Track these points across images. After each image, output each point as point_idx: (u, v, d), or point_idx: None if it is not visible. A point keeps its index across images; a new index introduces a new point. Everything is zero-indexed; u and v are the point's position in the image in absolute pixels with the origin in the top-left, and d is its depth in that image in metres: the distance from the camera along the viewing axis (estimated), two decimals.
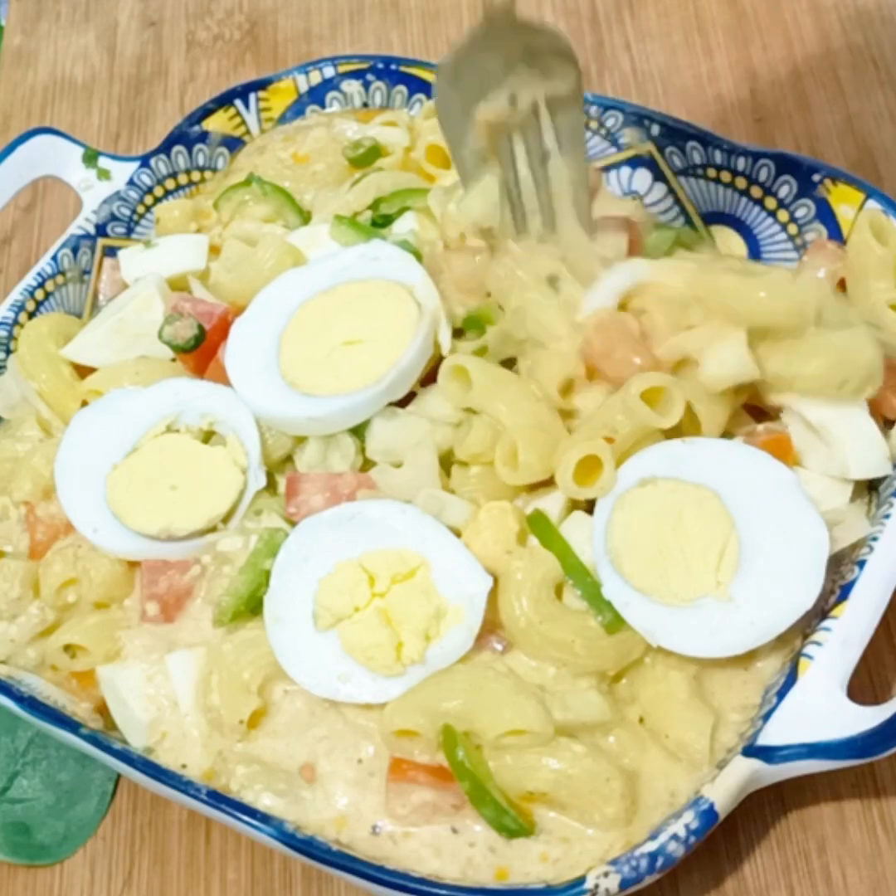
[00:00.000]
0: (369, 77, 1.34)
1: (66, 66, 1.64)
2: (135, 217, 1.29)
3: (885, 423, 1.01)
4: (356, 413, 1.02)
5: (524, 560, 0.95)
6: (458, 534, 0.97)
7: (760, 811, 0.98)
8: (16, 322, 1.19)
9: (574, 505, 0.98)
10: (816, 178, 1.13)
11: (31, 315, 1.21)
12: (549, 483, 0.98)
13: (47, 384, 1.15)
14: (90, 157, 1.29)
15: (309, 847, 0.86)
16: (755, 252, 1.19)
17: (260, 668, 0.95)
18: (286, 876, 1.01)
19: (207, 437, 1.06)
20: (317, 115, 1.36)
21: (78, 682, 1.01)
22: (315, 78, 1.34)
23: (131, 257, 1.24)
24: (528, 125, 1.02)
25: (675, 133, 1.20)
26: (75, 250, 1.24)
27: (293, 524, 1.00)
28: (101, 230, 1.27)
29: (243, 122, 1.34)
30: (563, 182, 1.04)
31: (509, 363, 1.05)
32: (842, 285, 1.10)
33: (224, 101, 1.33)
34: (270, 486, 1.05)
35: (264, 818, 0.88)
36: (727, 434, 1.00)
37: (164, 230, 1.27)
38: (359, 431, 1.03)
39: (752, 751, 0.86)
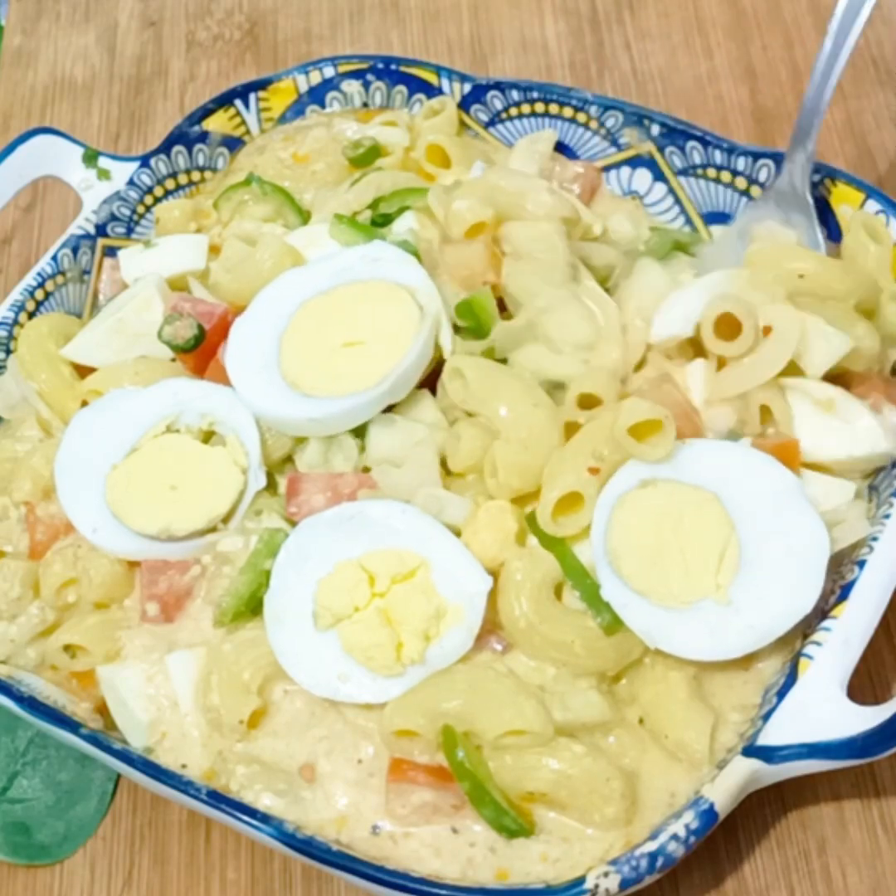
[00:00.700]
0: (369, 77, 1.34)
1: (66, 66, 1.64)
2: (135, 217, 1.29)
3: None
4: (356, 415, 1.02)
5: (524, 560, 0.95)
6: (457, 533, 0.97)
7: (760, 811, 0.98)
8: (16, 322, 1.19)
9: None
10: (816, 178, 1.13)
11: (31, 315, 1.21)
12: None
13: (47, 384, 1.15)
14: (90, 157, 1.29)
15: (309, 847, 0.86)
16: None
17: (260, 668, 0.95)
18: (286, 876, 1.01)
19: (207, 437, 1.06)
20: (317, 115, 1.36)
21: (78, 682, 1.01)
22: (315, 78, 1.34)
23: (131, 257, 1.24)
24: None
25: (675, 133, 1.20)
26: (75, 250, 1.24)
27: (294, 524, 1.00)
28: (101, 230, 1.26)
29: (243, 122, 1.34)
30: None
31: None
32: None
33: (224, 101, 1.33)
34: (270, 486, 1.05)
35: (264, 818, 0.88)
36: (736, 434, 1.00)
37: (164, 230, 1.27)
38: (360, 432, 1.03)
39: (752, 751, 0.86)
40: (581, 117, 1.24)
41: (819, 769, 0.85)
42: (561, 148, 1.27)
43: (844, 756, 0.84)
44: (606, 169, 1.25)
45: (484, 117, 1.30)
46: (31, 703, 0.95)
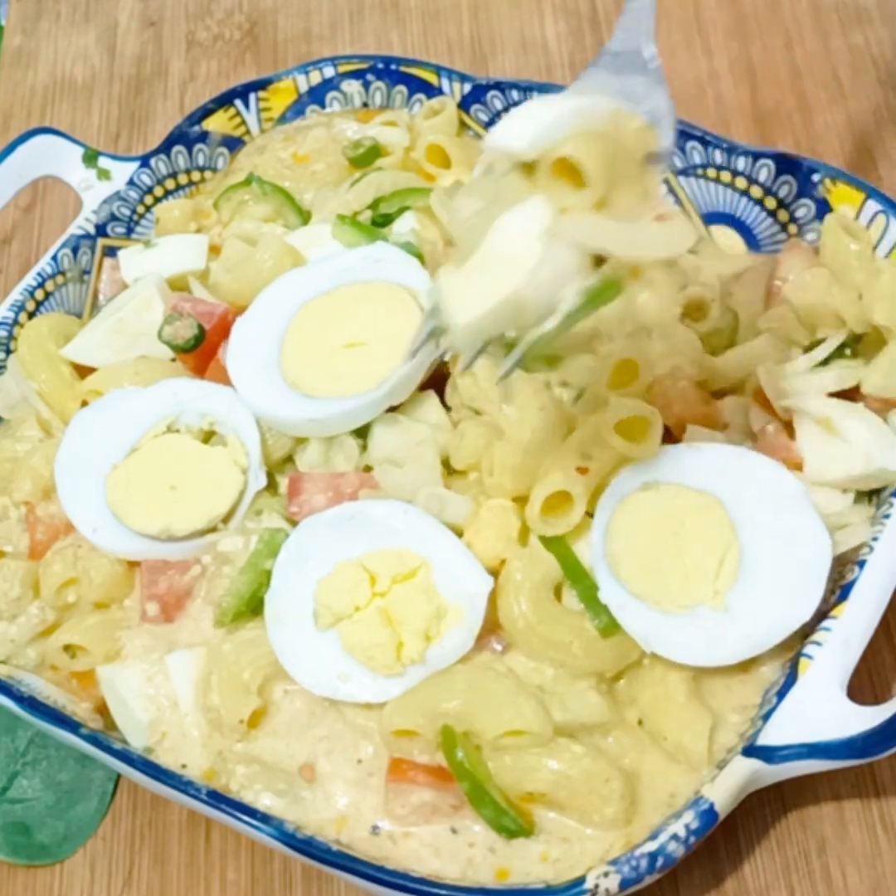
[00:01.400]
0: (369, 77, 1.34)
1: (66, 66, 1.64)
2: (135, 217, 1.29)
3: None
4: (357, 416, 1.02)
5: (524, 560, 0.95)
6: (459, 532, 0.97)
7: (760, 811, 0.98)
8: (16, 322, 1.19)
9: None
10: (816, 178, 1.13)
11: (31, 315, 1.21)
12: None
13: (47, 384, 1.15)
14: (90, 157, 1.29)
15: (309, 847, 0.86)
16: (755, 252, 1.19)
17: (260, 668, 0.95)
18: (286, 876, 1.01)
19: (207, 437, 1.06)
20: (317, 115, 1.36)
21: (78, 682, 1.01)
22: (315, 78, 1.34)
23: (131, 257, 1.24)
24: None
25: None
26: (75, 250, 1.24)
27: (294, 524, 1.00)
28: (101, 230, 1.27)
29: (243, 122, 1.34)
30: None
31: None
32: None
33: (224, 101, 1.33)
34: (271, 486, 1.05)
35: (264, 818, 0.88)
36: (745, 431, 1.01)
37: (164, 230, 1.27)
38: (361, 433, 1.03)
39: (751, 751, 0.86)
40: None
41: (819, 769, 0.85)
42: None
43: (844, 756, 0.84)
44: None
45: (484, 117, 1.30)
46: (31, 703, 0.95)
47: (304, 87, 1.35)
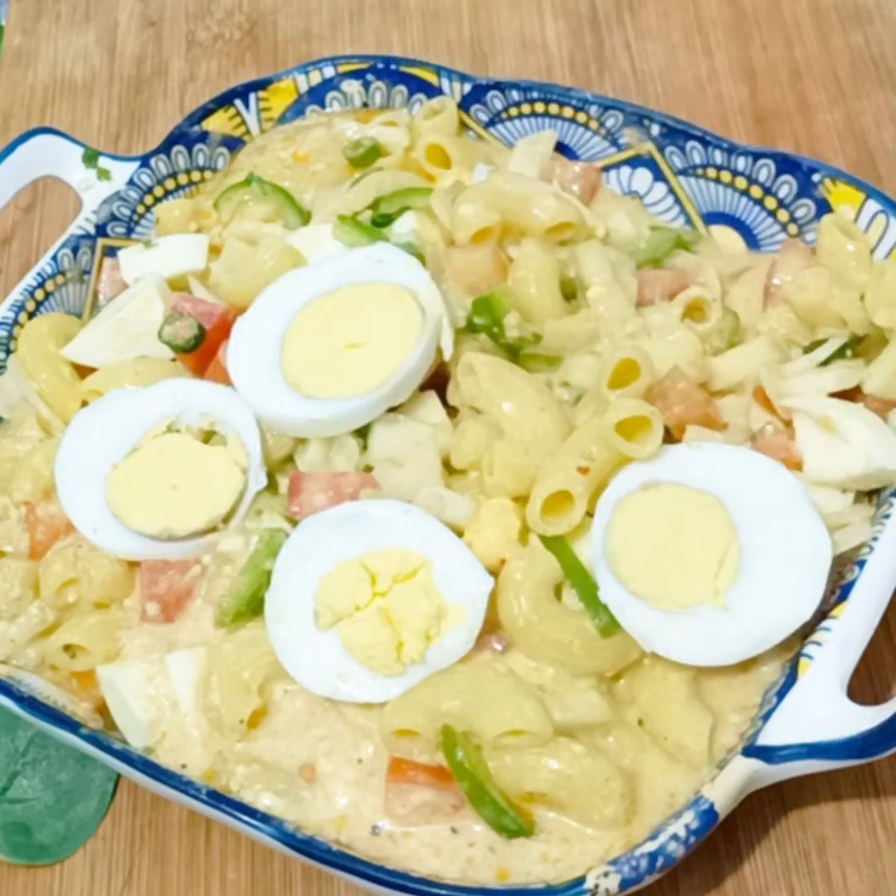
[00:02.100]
0: (369, 77, 1.34)
1: (66, 66, 1.64)
2: (135, 217, 1.29)
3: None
4: (357, 417, 1.02)
5: (524, 560, 0.95)
6: (460, 532, 0.97)
7: (760, 811, 0.98)
8: (16, 322, 1.19)
9: None
10: (816, 178, 1.13)
11: (31, 315, 1.21)
12: None
13: (47, 384, 1.15)
14: (90, 157, 1.29)
15: (309, 847, 0.86)
16: (755, 252, 1.19)
17: (260, 668, 0.95)
18: (286, 876, 1.01)
19: (208, 437, 1.06)
20: (317, 115, 1.36)
21: (78, 682, 1.01)
22: (315, 78, 1.34)
23: (131, 257, 1.24)
24: None
25: (675, 133, 1.20)
26: (75, 250, 1.24)
27: (295, 523, 1.00)
28: (101, 230, 1.27)
29: (243, 122, 1.34)
30: None
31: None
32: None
33: (224, 101, 1.33)
34: (271, 486, 1.05)
35: (264, 818, 0.88)
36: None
37: (164, 230, 1.27)
38: (361, 433, 1.03)
39: (752, 751, 0.86)
40: (581, 117, 1.24)
41: (819, 769, 0.85)
42: (561, 148, 1.27)
43: (844, 756, 0.84)
44: (606, 169, 1.25)
45: (484, 117, 1.30)
46: (31, 703, 0.95)
47: (304, 87, 1.35)
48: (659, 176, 1.23)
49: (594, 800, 0.88)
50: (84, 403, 1.12)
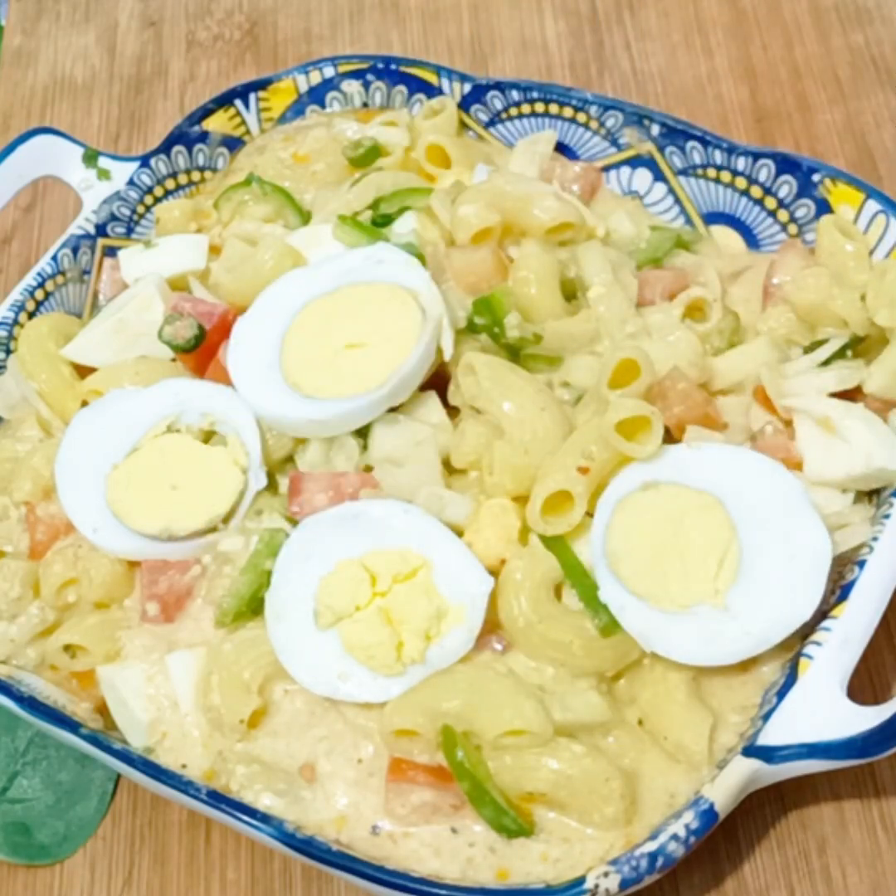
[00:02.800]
0: (369, 77, 1.34)
1: (66, 66, 1.64)
2: (135, 217, 1.29)
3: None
4: (357, 417, 1.02)
5: (524, 559, 0.95)
6: (459, 532, 0.97)
7: (760, 811, 0.98)
8: (16, 322, 1.19)
9: None
10: (816, 178, 1.13)
11: (31, 315, 1.21)
12: None
13: (47, 384, 1.15)
14: (90, 157, 1.29)
15: (309, 847, 0.86)
16: (755, 252, 1.19)
17: (260, 668, 0.95)
18: (286, 876, 1.01)
19: (208, 437, 1.06)
20: (317, 115, 1.36)
21: (78, 682, 1.01)
22: (315, 78, 1.35)
23: (131, 257, 1.24)
24: None
25: (675, 133, 1.20)
26: (75, 250, 1.24)
27: (295, 523, 1.00)
28: (101, 230, 1.27)
29: (243, 122, 1.34)
30: None
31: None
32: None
33: (224, 101, 1.33)
34: (271, 486, 1.05)
35: (264, 818, 0.88)
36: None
37: (164, 230, 1.27)
38: (361, 433, 1.03)
39: (752, 751, 0.86)
40: (581, 117, 1.24)
41: (819, 769, 0.85)
42: (561, 148, 1.27)
43: (844, 756, 0.84)
44: (606, 169, 1.25)
45: (484, 117, 1.30)
46: (31, 703, 0.95)
47: (304, 87, 1.35)
48: (659, 176, 1.23)
49: (594, 800, 0.88)
50: (84, 403, 1.12)
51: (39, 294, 1.21)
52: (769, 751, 0.85)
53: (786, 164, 1.15)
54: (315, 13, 1.63)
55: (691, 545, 0.93)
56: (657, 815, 0.89)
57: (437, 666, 0.93)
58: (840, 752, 0.83)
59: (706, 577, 0.92)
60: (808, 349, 1.05)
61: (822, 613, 0.91)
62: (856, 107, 1.40)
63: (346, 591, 0.94)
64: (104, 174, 1.29)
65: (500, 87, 1.28)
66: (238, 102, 1.34)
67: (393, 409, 1.02)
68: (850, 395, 1.01)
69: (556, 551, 0.95)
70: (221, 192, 1.28)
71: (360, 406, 1.01)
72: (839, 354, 1.03)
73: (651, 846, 0.83)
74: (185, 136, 1.31)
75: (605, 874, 0.82)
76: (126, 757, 0.92)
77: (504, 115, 1.29)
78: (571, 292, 1.11)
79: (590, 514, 0.96)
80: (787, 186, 1.15)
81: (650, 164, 1.22)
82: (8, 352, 1.19)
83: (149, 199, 1.29)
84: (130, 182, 1.28)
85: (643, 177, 1.24)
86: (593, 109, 1.23)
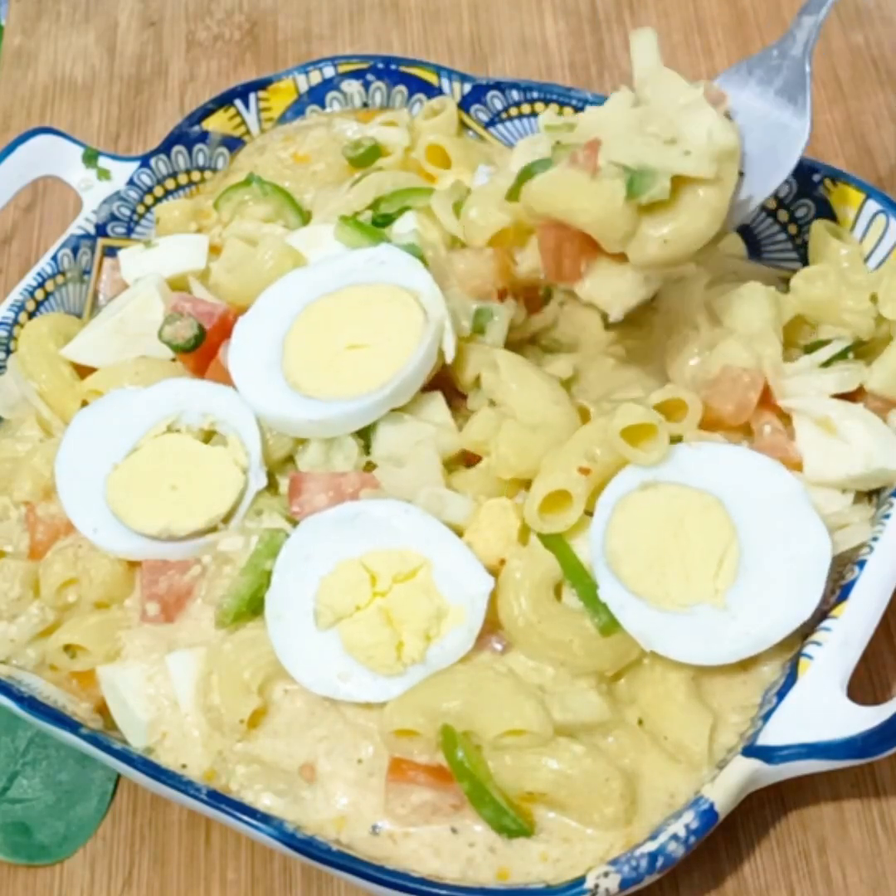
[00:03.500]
0: (369, 77, 1.34)
1: (66, 66, 1.64)
2: (135, 217, 1.29)
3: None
4: (358, 418, 1.02)
5: (524, 559, 0.95)
6: (459, 532, 0.97)
7: (760, 811, 0.98)
8: (16, 322, 1.19)
9: None
10: (816, 178, 1.13)
11: (31, 315, 1.21)
12: None
13: (47, 384, 1.15)
14: (90, 157, 1.29)
15: (309, 847, 0.86)
16: (755, 252, 1.19)
17: (260, 668, 0.95)
18: (286, 876, 1.01)
19: (208, 436, 1.06)
20: (317, 115, 1.36)
21: (78, 682, 1.01)
22: (315, 78, 1.35)
23: (131, 257, 1.24)
24: None
25: None
26: (75, 250, 1.24)
27: (295, 523, 1.00)
28: (101, 230, 1.27)
29: (243, 122, 1.34)
30: None
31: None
32: None
33: (224, 101, 1.33)
34: (271, 486, 1.05)
35: (264, 818, 0.88)
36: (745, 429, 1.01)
37: (164, 230, 1.27)
38: (362, 433, 1.03)
39: (752, 751, 0.86)
40: None
41: (819, 769, 0.85)
42: None
43: (844, 756, 0.84)
44: None
45: (484, 117, 1.30)
46: (31, 703, 0.95)
47: (304, 87, 1.35)
48: None
49: (594, 800, 0.88)
50: (84, 403, 1.12)
51: (39, 294, 1.22)
52: (769, 751, 0.85)
53: None
54: (315, 13, 1.63)
55: (691, 545, 0.93)
56: (657, 815, 0.89)
57: (437, 666, 0.93)
58: (840, 752, 0.83)
59: (706, 577, 0.92)
60: (810, 349, 1.05)
61: (822, 613, 0.91)
62: (856, 107, 1.40)
63: (346, 590, 0.94)
64: (104, 174, 1.29)
65: (500, 87, 1.28)
66: (238, 102, 1.34)
67: (398, 409, 1.03)
68: (850, 395, 1.01)
69: (556, 550, 0.95)
70: (221, 192, 1.28)
71: (361, 407, 1.01)
72: (840, 356, 1.03)
73: (651, 846, 0.83)
74: (185, 136, 1.31)
75: (605, 874, 0.82)
76: (126, 757, 0.92)
77: (504, 115, 1.29)
78: None
79: (589, 513, 0.96)
80: (786, 186, 1.15)
81: None
82: (8, 352, 1.19)
83: (149, 199, 1.30)
84: (130, 182, 1.28)
85: None
86: None
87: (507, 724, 0.89)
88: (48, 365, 1.16)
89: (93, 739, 0.92)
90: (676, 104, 0.95)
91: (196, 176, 1.33)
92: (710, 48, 1.49)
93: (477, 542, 0.96)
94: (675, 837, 0.83)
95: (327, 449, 1.03)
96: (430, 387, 1.05)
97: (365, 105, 1.35)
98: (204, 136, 1.32)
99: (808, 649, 0.90)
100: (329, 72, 1.34)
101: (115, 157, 1.31)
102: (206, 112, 1.32)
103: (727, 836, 0.96)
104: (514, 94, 1.27)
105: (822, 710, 0.86)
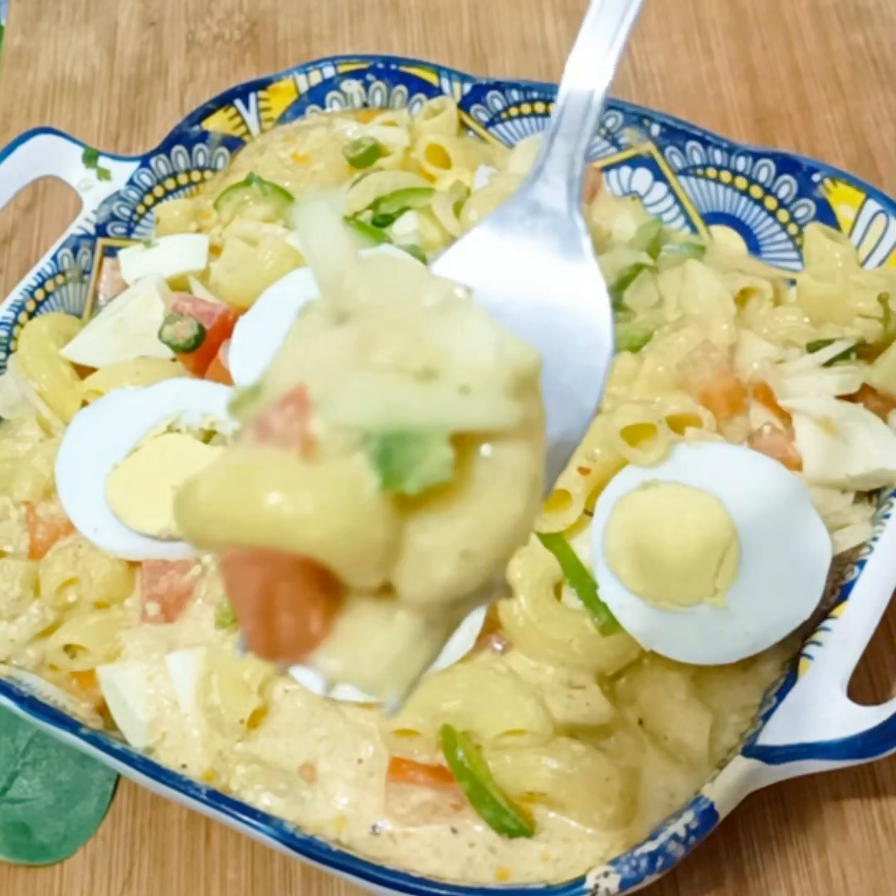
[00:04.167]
0: (369, 77, 1.34)
1: (66, 66, 1.64)
2: (135, 217, 1.29)
3: None
4: None
5: (523, 558, 0.95)
6: None
7: (760, 811, 0.97)
8: (16, 322, 1.19)
9: None
10: (816, 178, 1.13)
11: (31, 315, 1.21)
12: None
13: (47, 384, 1.15)
14: (90, 157, 1.29)
15: (309, 847, 0.86)
16: (755, 252, 1.19)
17: (260, 668, 0.95)
18: (286, 876, 1.01)
19: (208, 436, 1.06)
20: (317, 115, 1.36)
21: (78, 682, 1.01)
22: (315, 78, 1.34)
23: (131, 257, 1.24)
24: None
25: (675, 133, 1.20)
26: (75, 250, 1.24)
27: None
28: (101, 230, 1.26)
29: (243, 122, 1.34)
30: None
31: None
32: None
33: (224, 101, 1.33)
34: None
35: (264, 818, 0.88)
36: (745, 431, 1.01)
37: (164, 230, 1.27)
38: None
39: (752, 751, 0.86)
40: None
41: (819, 769, 0.85)
42: None
43: (844, 756, 0.83)
44: (606, 169, 1.25)
45: (484, 117, 1.30)
46: (31, 703, 0.95)
47: (304, 87, 1.35)
48: (659, 176, 1.22)
49: (594, 799, 0.88)
50: (84, 403, 1.12)
51: (39, 294, 1.21)
52: (769, 751, 0.85)
53: (786, 164, 1.14)
54: (315, 13, 1.63)
55: (691, 544, 0.93)
56: (657, 815, 0.89)
57: (437, 666, 0.92)
58: (840, 752, 0.83)
59: (706, 577, 0.92)
60: (812, 348, 1.05)
61: (822, 613, 0.91)
62: (856, 107, 1.40)
63: None
64: (104, 174, 1.29)
65: (500, 87, 1.28)
66: (238, 102, 1.34)
67: None
68: (851, 395, 1.01)
69: (556, 550, 0.95)
70: (221, 192, 1.28)
71: None
72: (842, 356, 1.03)
73: (651, 846, 0.83)
74: (185, 136, 1.31)
75: (605, 874, 0.82)
76: (126, 757, 0.91)
77: (504, 115, 1.29)
78: None
79: (589, 513, 0.96)
80: (787, 186, 1.15)
81: (650, 164, 1.22)
82: (8, 352, 1.19)
83: (149, 199, 1.29)
84: (130, 182, 1.28)
85: (643, 177, 1.23)
86: None
87: (507, 723, 0.89)
88: (48, 365, 1.16)
89: (93, 739, 0.92)
90: (418, 308, 0.53)
91: (196, 176, 1.33)
92: (710, 48, 1.49)
93: None
94: (675, 837, 0.83)
95: None
96: None
97: (365, 105, 1.35)
98: (204, 136, 1.32)
99: (808, 649, 0.90)
100: (329, 72, 1.34)
101: (115, 157, 1.31)
102: (206, 112, 1.32)
103: (727, 836, 0.96)
104: (515, 94, 1.27)
105: (822, 710, 0.86)
